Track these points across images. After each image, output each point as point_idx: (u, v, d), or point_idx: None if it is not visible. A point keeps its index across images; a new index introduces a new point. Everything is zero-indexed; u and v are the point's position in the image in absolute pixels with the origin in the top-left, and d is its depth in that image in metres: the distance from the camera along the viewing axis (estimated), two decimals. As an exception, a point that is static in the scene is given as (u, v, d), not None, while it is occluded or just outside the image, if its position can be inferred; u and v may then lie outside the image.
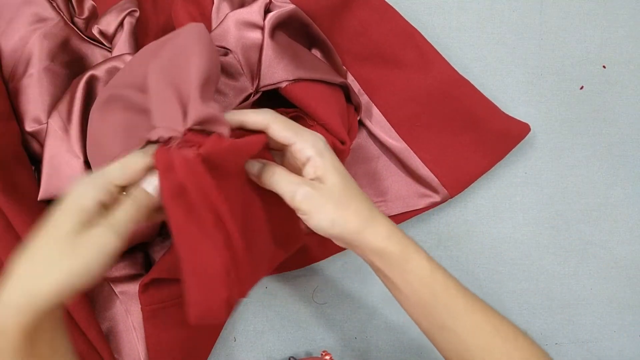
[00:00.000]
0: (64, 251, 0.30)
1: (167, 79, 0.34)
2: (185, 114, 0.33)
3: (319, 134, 0.37)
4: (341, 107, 0.51)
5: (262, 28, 0.49)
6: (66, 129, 0.49)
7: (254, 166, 0.37)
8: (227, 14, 0.50)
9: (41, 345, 0.30)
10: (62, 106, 0.49)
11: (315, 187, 0.36)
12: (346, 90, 0.53)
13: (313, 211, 0.35)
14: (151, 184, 0.34)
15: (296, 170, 0.38)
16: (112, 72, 0.50)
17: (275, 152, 0.40)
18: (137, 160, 0.33)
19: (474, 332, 0.36)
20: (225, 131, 0.34)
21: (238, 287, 0.35)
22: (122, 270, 0.52)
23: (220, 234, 0.33)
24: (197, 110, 0.33)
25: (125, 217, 0.32)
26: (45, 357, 0.31)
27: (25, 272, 0.30)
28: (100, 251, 0.30)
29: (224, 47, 0.49)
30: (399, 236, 0.37)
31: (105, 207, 0.32)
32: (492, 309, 0.38)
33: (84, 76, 0.49)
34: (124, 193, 0.34)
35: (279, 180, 0.36)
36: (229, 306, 0.35)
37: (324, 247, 0.56)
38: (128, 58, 0.49)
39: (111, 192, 0.32)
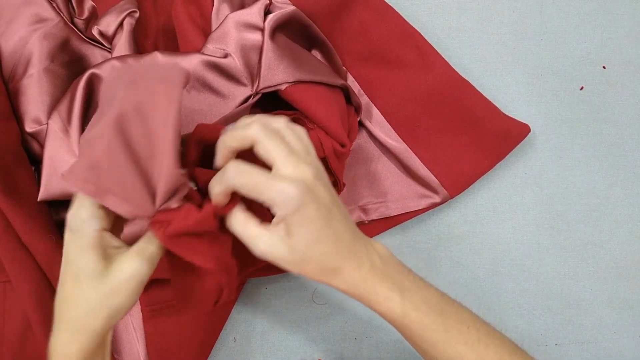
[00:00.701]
0: (102, 293, 0.32)
1: (134, 156, 0.32)
2: (153, 198, 0.33)
3: (297, 177, 0.33)
4: (341, 109, 0.51)
5: (262, 30, 0.49)
6: (66, 130, 0.49)
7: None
8: (227, 16, 0.50)
9: None
10: (62, 107, 0.49)
11: (274, 243, 0.34)
12: (346, 92, 0.53)
13: (275, 262, 0.34)
14: None
15: None
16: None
17: None
18: None
19: None
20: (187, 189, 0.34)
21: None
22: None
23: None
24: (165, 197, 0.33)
25: (159, 248, 0.34)
26: None
27: (73, 320, 0.33)
28: (137, 284, 0.33)
29: (223, 49, 0.49)
30: (367, 283, 0.36)
31: (115, 224, 0.35)
32: (479, 333, 0.38)
33: (84, 76, 0.49)
34: None
35: (238, 229, 0.35)
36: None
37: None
38: (130, 60, 0.49)
39: (106, 216, 0.33)
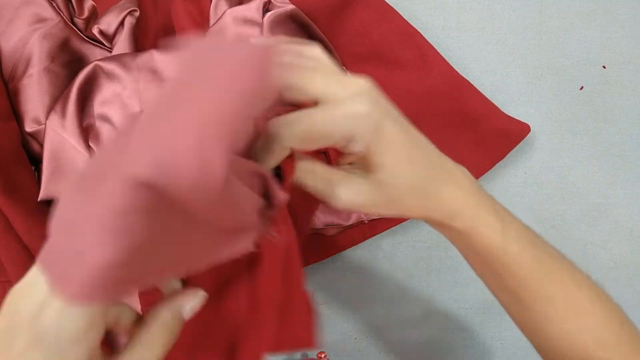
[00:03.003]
0: None
1: None
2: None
3: (355, 92, 0.26)
4: None
5: (260, 25, 0.49)
6: (63, 126, 0.49)
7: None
8: (225, 11, 0.50)
9: None
10: (59, 106, 0.49)
11: (357, 181, 0.27)
12: None
13: (364, 209, 0.28)
14: (190, 307, 0.26)
15: None
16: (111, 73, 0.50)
17: None
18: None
19: (548, 303, 0.33)
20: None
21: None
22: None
23: None
24: None
25: (153, 355, 0.24)
26: None
27: None
28: None
29: None
30: (468, 208, 0.30)
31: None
32: (572, 273, 0.34)
33: (85, 70, 0.49)
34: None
35: (309, 180, 0.28)
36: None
37: (323, 248, 0.56)
38: (128, 58, 0.49)
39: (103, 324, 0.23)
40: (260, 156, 0.26)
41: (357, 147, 0.26)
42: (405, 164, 0.27)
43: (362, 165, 0.28)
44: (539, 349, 0.36)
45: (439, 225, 0.31)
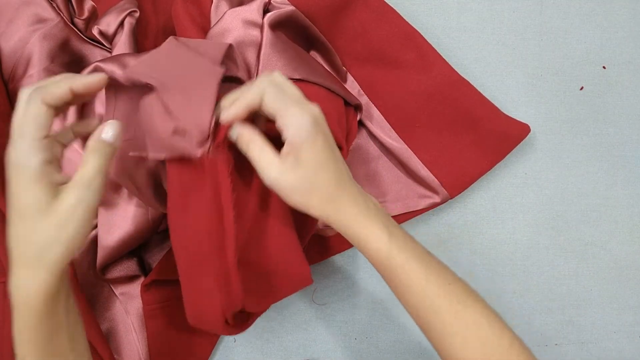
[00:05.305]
0: (53, 225, 0.32)
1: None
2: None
3: (311, 110, 0.36)
4: (339, 113, 0.51)
5: (260, 26, 0.49)
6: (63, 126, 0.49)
7: (234, 132, 0.37)
8: (225, 12, 0.50)
9: (59, 307, 0.34)
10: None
11: (284, 170, 0.36)
12: (343, 98, 0.53)
13: (282, 191, 0.36)
14: (109, 133, 0.35)
15: None
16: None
17: None
18: (60, 85, 0.33)
19: (434, 314, 0.37)
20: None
21: (232, 305, 0.37)
22: (121, 271, 0.52)
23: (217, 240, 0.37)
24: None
25: (94, 170, 0.33)
26: (62, 318, 0.35)
27: (30, 258, 0.32)
28: (84, 211, 0.33)
29: None
30: (361, 220, 0.37)
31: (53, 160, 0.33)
32: (459, 293, 0.38)
33: (87, 69, 0.49)
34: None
35: (254, 153, 0.36)
36: (228, 327, 0.39)
37: (323, 248, 0.56)
38: (128, 58, 0.49)
39: (49, 148, 0.33)
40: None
41: (288, 138, 0.35)
42: (321, 167, 0.36)
43: (294, 159, 0.35)
44: None
45: (339, 231, 0.38)
